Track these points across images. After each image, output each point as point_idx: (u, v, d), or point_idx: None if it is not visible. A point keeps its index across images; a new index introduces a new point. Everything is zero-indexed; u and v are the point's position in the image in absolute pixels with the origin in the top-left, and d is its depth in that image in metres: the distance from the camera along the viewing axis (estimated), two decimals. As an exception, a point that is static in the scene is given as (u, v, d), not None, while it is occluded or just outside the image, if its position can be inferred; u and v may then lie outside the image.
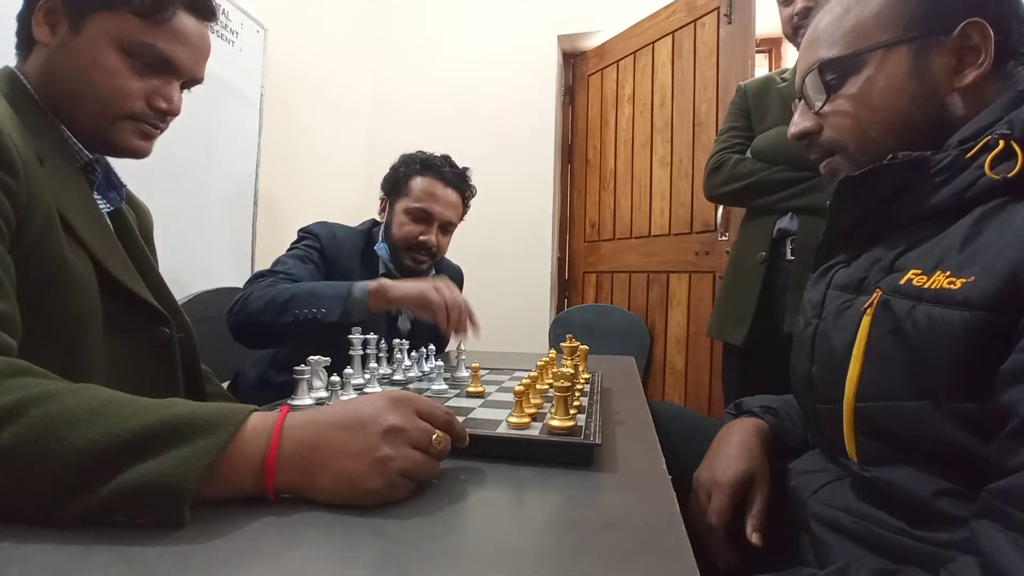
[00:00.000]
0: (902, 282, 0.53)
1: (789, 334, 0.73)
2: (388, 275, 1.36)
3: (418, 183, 1.32)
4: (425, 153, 1.38)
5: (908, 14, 0.58)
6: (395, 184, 1.35)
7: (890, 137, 0.60)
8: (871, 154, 0.60)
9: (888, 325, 0.53)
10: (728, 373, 1.47)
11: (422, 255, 1.32)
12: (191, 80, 0.75)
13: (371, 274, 1.33)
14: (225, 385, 1.17)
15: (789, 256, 1.29)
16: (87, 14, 0.66)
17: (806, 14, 1.19)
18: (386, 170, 1.40)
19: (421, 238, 1.31)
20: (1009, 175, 0.48)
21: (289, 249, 1.29)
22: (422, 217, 1.31)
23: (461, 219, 1.41)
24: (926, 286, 0.50)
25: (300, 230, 1.33)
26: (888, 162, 0.56)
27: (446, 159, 1.38)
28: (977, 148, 0.51)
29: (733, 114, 1.47)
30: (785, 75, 1.39)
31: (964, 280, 0.47)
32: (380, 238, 1.36)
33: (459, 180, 1.37)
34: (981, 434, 0.46)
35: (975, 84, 0.56)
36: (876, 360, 0.54)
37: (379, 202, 1.41)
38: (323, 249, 1.28)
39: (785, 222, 1.30)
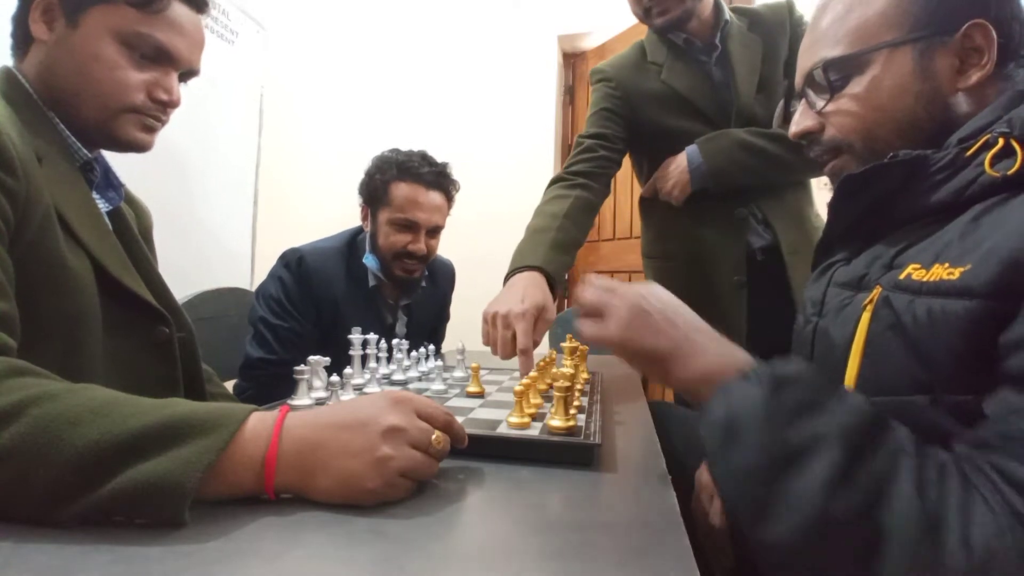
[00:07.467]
0: (902, 277, 0.53)
1: (782, 339, 0.73)
2: (378, 287, 1.33)
3: (399, 191, 1.27)
4: (400, 153, 1.31)
5: (913, 14, 0.58)
6: (374, 193, 1.30)
7: (896, 136, 0.60)
8: (877, 152, 0.60)
9: (888, 321, 0.53)
10: None
11: (412, 262, 1.29)
12: (189, 71, 0.76)
13: (359, 289, 1.30)
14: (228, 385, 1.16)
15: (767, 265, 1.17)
16: (84, 8, 0.67)
17: None
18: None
19: (410, 248, 1.27)
20: (1009, 172, 0.48)
21: (266, 319, 1.23)
22: (408, 226, 1.27)
23: (448, 216, 1.36)
24: (925, 279, 0.50)
25: (267, 289, 1.26)
26: (888, 160, 0.56)
27: (423, 157, 1.32)
28: (977, 146, 0.51)
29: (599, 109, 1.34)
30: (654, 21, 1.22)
31: (962, 269, 0.47)
32: (367, 249, 1.31)
33: (440, 179, 1.30)
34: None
35: (978, 85, 0.57)
36: (875, 356, 0.54)
37: (359, 210, 1.35)
38: (296, 301, 1.24)
39: (756, 239, 1.20)
